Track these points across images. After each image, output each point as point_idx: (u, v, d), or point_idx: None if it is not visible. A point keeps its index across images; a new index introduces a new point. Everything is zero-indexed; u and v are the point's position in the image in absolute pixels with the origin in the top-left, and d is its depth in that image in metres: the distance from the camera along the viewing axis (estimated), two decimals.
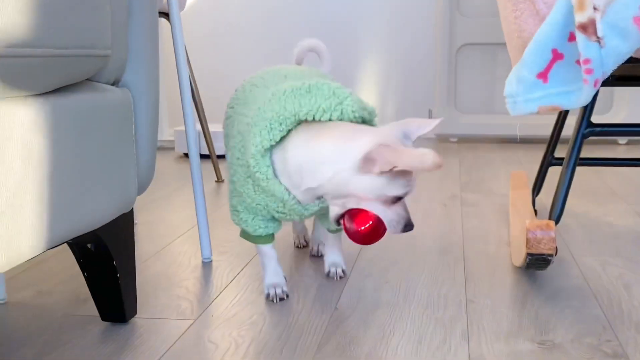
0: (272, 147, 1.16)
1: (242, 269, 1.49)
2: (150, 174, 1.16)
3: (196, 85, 2.47)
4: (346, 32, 3.47)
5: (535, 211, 1.71)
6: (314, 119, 1.13)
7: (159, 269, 1.50)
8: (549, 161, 1.67)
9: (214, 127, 2.73)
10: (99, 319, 1.22)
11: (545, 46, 1.10)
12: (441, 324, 1.19)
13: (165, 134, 3.39)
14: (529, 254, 1.14)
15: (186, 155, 3.12)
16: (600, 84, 1.07)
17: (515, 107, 1.13)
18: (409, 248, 1.62)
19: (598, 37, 1.05)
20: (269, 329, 1.18)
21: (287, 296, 1.32)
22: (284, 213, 1.23)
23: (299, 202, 1.19)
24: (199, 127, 2.55)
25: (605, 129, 1.21)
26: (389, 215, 1.12)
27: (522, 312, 1.23)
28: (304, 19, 3.47)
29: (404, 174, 1.08)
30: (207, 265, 1.53)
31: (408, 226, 1.13)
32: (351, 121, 1.15)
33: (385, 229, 1.14)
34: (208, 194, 2.28)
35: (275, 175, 1.16)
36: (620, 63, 1.08)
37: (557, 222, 1.16)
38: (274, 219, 1.29)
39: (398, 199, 1.12)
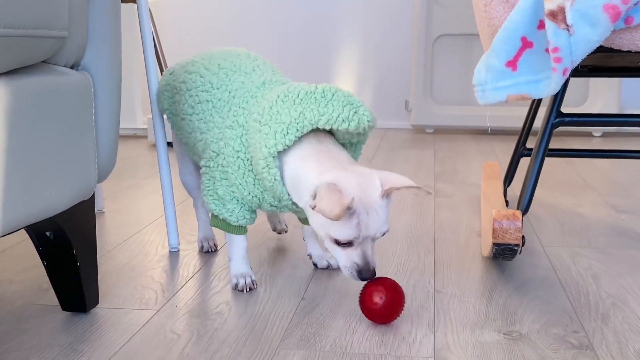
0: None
1: (210, 258, 1.47)
2: (111, 161, 1.13)
3: None
4: (323, 23, 3.45)
5: (507, 202, 1.70)
6: (331, 128, 1.15)
7: (125, 258, 1.47)
8: (520, 152, 1.67)
9: None
10: (60, 308, 1.19)
11: (515, 34, 1.09)
12: (408, 314, 1.17)
13: (139, 122, 3.35)
14: (495, 244, 1.13)
15: (169, 144, 3.09)
16: (569, 72, 1.06)
17: (484, 96, 1.12)
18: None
19: (567, 25, 1.04)
20: (233, 319, 1.16)
21: (255, 286, 1.30)
22: (276, 207, 1.25)
23: (294, 203, 1.20)
24: None
25: (575, 119, 1.20)
26: (342, 260, 1.11)
27: (490, 302, 1.23)
28: (280, 10, 3.44)
29: (349, 219, 1.06)
30: (174, 254, 1.50)
31: (363, 273, 1.10)
32: (365, 130, 1.16)
33: (401, 299, 1.11)
34: (179, 183, 2.25)
35: (281, 177, 1.18)
36: (590, 52, 1.07)
37: (525, 212, 1.15)
38: (255, 211, 1.29)
39: (349, 244, 1.09)
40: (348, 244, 1.09)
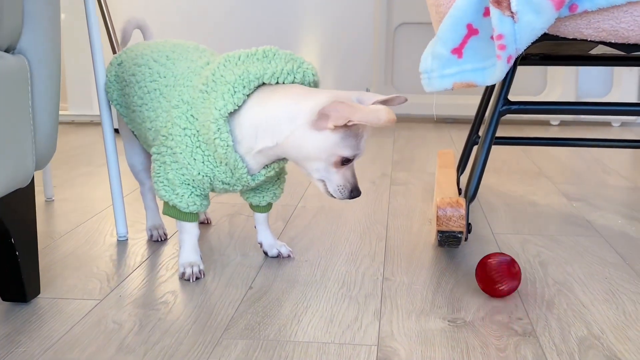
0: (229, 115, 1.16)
1: (159, 248, 1.45)
2: (51, 148, 1.10)
3: None
4: (284, 8, 3.42)
5: (460, 189, 1.71)
6: (277, 81, 1.16)
7: (71, 247, 1.44)
8: (473, 140, 1.67)
9: None
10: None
11: (460, 21, 1.08)
12: (355, 302, 1.17)
13: (95, 109, 3.29)
14: (439, 232, 1.13)
15: (117, 130, 3.04)
16: (513, 60, 1.06)
17: (430, 84, 1.11)
18: (332, 226, 1.60)
19: (512, 12, 1.04)
20: (178, 309, 1.14)
21: (203, 275, 1.28)
22: (228, 184, 1.23)
23: (247, 171, 1.20)
24: None
25: (522, 106, 1.20)
26: (336, 180, 1.16)
27: (437, 290, 1.23)
28: None
29: (356, 135, 1.11)
30: (122, 243, 1.47)
31: (354, 191, 1.16)
32: (311, 84, 1.19)
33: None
34: (130, 171, 2.22)
35: (233, 143, 1.17)
36: (535, 39, 1.07)
37: (471, 199, 1.16)
38: (206, 196, 1.27)
39: (347, 162, 1.14)
40: (345, 162, 1.14)
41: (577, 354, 1.00)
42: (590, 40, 1.14)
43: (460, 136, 2.94)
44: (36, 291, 1.17)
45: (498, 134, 1.34)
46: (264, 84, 1.17)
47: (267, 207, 1.38)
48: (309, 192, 1.92)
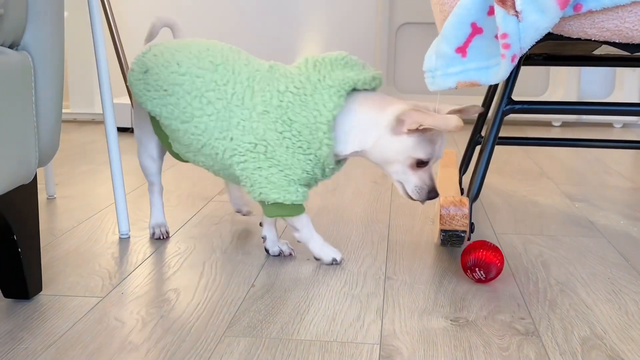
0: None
1: (160, 246, 1.44)
2: (54, 145, 1.10)
3: (125, 59, 2.39)
4: (286, 9, 3.42)
5: (462, 189, 1.71)
6: (365, 88, 1.25)
7: (73, 245, 1.44)
8: (476, 140, 1.67)
9: None
10: (1, 295, 1.16)
11: (465, 20, 1.08)
12: (357, 301, 1.17)
13: (97, 107, 3.29)
14: (442, 231, 1.12)
15: (119, 129, 3.04)
16: (517, 59, 1.06)
17: (434, 82, 1.11)
18: (334, 225, 1.60)
19: (516, 11, 1.04)
20: (180, 307, 1.14)
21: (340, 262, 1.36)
22: (315, 179, 1.31)
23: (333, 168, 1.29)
24: (129, 100, 2.48)
25: (525, 106, 1.20)
26: (413, 181, 1.23)
27: (439, 289, 1.23)
28: None
29: (430, 140, 1.20)
30: (124, 241, 1.47)
31: (431, 192, 1.22)
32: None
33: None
34: (137, 169, 2.21)
35: None
36: (539, 38, 1.07)
37: (474, 199, 1.15)
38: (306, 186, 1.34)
39: (423, 164, 1.21)
40: (422, 165, 1.21)
41: (580, 354, 0.99)
42: (594, 40, 1.14)
43: (463, 136, 2.93)
44: (38, 288, 1.17)
45: (500, 135, 1.33)
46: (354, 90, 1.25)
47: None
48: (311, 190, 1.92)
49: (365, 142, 1.23)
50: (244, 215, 1.65)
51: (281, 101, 1.23)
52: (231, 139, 1.27)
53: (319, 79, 1.22)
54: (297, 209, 1.31)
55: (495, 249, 1.20)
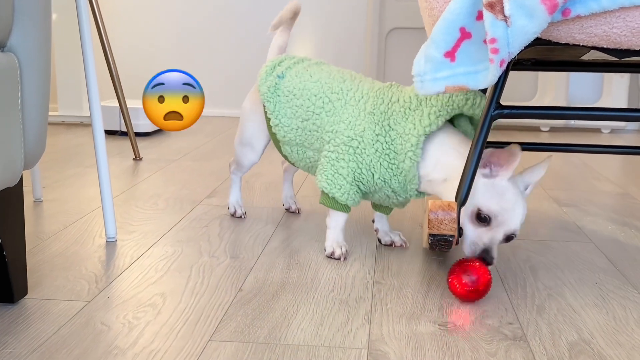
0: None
1: (148, 249, 1.43)
2: (40, 147, 1.09)
3: (114, 61, 2.38)
4: (276, 13, 3.41)
5: None
6: (473, 113, 1.27)
7: (60, 248, 1.43)
8: None
9: (133, 104, 2.65)
10: None
11: (453, 24, 1.08)
12: (345, 305, 1.16)
13: (85, 110, 3.27)
14: (430, 235, 1.12)
15: (108, 132, 3.02)
16: (506, 64, 1.06)
17: (422, 87, 1.11)
18: (323, 229, 1.59)
19: (505, 16, 1.04)
20: (167, 311, 1.13)
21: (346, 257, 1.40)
22: (394, 194, 1.34)
23: (417, 188, 1.31)
24: (117, 103, 2.47)
25: (514, 111, 1.20)
26: (471, 236, 1.21)
27: (427, 293, 1.22)
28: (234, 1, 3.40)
29: (504, 190, 1.22)
30: (111, 245, 1.46)
31: (484, 253, 1.19)
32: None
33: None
34: (125, 172, 2.21)
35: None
36: (527, 43, 1.07)
37: (463, 203, 1.15)
38: (363, 196, 1.40)
39: (485, 222, 1.19)
40: (484, 221, 1.19)
41: (568, 358, 0.99)
42: (582, 46, 1.14)
43: None
44: (23, 292, 1.16)
45: (488, 140, 1.33)
46: (462, 114, 1.30)
47: (390, 210, 1.48)
48: (300, 194, 1.92)
49: (447, 173, 1.25)
50: (291, 212, 1.75)
51: (388, 109, 1.31)
52: (335, 132, 1.36)
53: (426, 98, 1.27)
54: (340, 205, 1.38)
55: (477, 291, 1.17)
